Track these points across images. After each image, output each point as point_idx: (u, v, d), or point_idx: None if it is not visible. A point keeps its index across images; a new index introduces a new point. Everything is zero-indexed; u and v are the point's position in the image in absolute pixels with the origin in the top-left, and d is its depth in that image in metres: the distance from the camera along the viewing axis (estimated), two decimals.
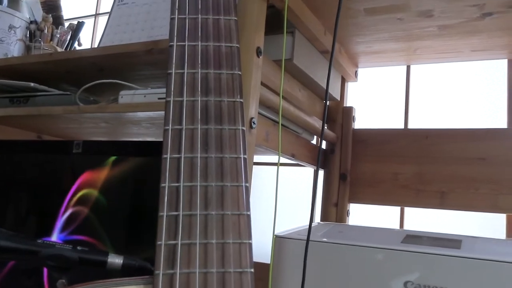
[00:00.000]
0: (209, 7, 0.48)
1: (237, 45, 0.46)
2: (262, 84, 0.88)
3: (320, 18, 1.07)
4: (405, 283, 0.69)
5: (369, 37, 1.16)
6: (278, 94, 0.96)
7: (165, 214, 0.34)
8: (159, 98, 0.91)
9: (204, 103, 0.41)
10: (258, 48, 0.86)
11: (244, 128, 0.40)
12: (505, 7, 0.96)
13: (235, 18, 0.48)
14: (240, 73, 0.44)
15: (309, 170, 1.46)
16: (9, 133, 1.29)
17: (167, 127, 0.39)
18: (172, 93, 0.41)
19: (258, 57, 0.86)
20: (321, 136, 0.85)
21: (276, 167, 1.51)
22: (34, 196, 0.97)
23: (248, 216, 0.35)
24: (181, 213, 0.34)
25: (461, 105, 1.32)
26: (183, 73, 0.43)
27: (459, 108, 1.32)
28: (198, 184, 0.36)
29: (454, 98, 1.34)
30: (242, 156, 0.38)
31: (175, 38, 0.46)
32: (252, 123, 0.81)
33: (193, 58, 0.44)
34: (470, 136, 1.16)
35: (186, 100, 0.41)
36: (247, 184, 0.37)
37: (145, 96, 0.93)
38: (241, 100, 0.42)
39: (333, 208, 1.23)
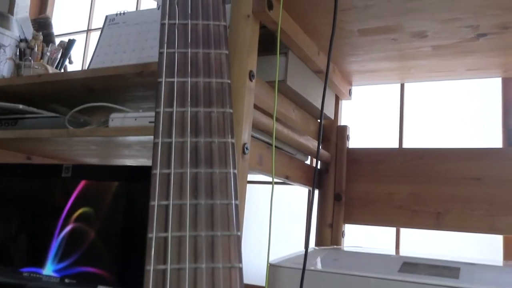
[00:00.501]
0: (199, 40, 0.47)
1: (228, 81, 0.44)
2: (255, 106, 0.87)
3: (313, 38, 1.06)
4: None
5: (363, 56, 1.16)
6: (271, 116, 0.94)
7: (152, 268, 0.32)
8: (150, 122, 0.90)
9: (193, 145, 0.39)
10: (251, 71, 0.85)
11: (236, 171, 0.38)
12: (500, 28, 0.95)
13: (226, 52, 0.47)
14: (231, 111, 0.42)
15: (303, 188, 1.44)
16: None
17: (155, 171, 0.37)
18: (161, 134, 0.39)
19: (251, 80, 0.85)
20: (317, 157, 0.83)
21: (268, 185, 1.49)
22: (23, 222, 0.95)
23: (240, 269, 0.34)
24: (169, 267, 0.33)
25: (455, 123, 1.32)
26: (172, 112, 0.41)
27: (454, 126, 1.31)
28: (187, 234, 0.34)
29: (448, 116, 1.33)
30: (233, 202, 0.36)
31: (164, 73, 0.44)
32: (245, 149, 0.79)
33: (183, 96, 0.43)
34: (465, 156, 1.15)
35: (175, 142, 0.39)
36: (239, 233, 0.35)
37: (136, 119, 0.91)
38: (233, 140, 0.40)
39: (328, 229, 1.22)
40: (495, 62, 1.13)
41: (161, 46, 0.46)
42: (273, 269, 0.79)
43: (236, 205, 0.36)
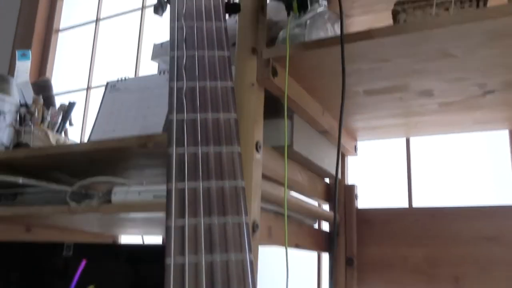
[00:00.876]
0: (208, 105, 0.45)
1: (238, 149, 0.43)
2: (262, 175, 0.84)
3: (317, 99, 1.05)
4: None
5: (368, 114, 1.14)
6: (278, 183, 0.91)
7: None
8: (154, 196, 0.87)
9: (207, 227, 0.37)
10: (257, 143, 0.83)
11: (252, 258, 0.35)
12: (507, 85, 0.94)
13: (235, 117, 0.46)
14: (243, 186, 0.40)
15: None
16: None
17: (169, 262, 0.34)
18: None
19: (258, 151, 0.83)
20: (334, 225, 0.80)
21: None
22: None
23: None
24: None
25: (465, 177, 1.29)
26: (184, 189, 0.39)
27: (463, 181, 1.28)
28: None
29: (457, 170, 1.30)
30: None
31: (174, 144, 0.42)
32: (255, 227, 0.76)
33: (194, 170, 0.40)
34: (479, 214, 1.11)
35: (188, 223, 0.36)
36: None
37: (139, 193, 0.88)
38: (247, 221, 0.38)
39: None
40: (503, 116, 1.11)
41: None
42: None
43: None
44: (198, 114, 0.46)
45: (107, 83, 1.16)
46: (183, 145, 0.44)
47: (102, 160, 1.04)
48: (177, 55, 0.44)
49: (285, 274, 0.80)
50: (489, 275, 1.06)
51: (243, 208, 0.40)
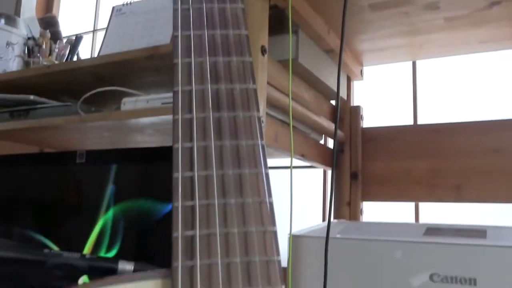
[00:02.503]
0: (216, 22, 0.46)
1: (250, 60, 0.43)
2: (268, 84, 0.86)
3: (324, 17, 1.05)
4: (431, 276, 0.65)
5: (374, 33, 1.14)
6: (285, 95, 0.93)
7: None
8: (162, 103, 0.89)
9: (216, 117, 0.38)
10: (262, 46, 0.84)
11: (264, 143, 0.37)
12: None
13: (246, 33, 0.46)
14: (255, 87, 0.42)
15: (317, 171, 1.42)
16: (10, 148, 1.27)
17: (177, 146, 0.36)
18: (180, 111, 0.38)
19: (263, 55, 0.84)
20: (335, 136, 0.82)
21: (284, 169, 1.48)
22: (39, 211, 0.94)
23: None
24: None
25: (471, 97, 1.29)
26: (191, 90, 0.40)
27: (469, 100, 1.29)
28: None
29: (463, 90, 1.31)
30: (263, 170, 0.35)
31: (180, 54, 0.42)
32: (261, 122, 0.78)
33: (201, 73, 0.41)
34: (482, 128, 1.13)
35: (196, 118, 0.38)
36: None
37: (148, 101, 0.90)
38: (259, 115, 0.40)
39: (346, 208, 1.20)
40: (509, 33, 1.11)
41: (175, 30, 0.45)
42: (296, 240, 0.78)
43: (267, 174, 0.35)
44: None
45: (113, 8, 1.17)
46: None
47: (110, 78, 1.06)
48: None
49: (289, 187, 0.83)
50: (489, 184, 1.09)
51: (255, 106, 0.41)
